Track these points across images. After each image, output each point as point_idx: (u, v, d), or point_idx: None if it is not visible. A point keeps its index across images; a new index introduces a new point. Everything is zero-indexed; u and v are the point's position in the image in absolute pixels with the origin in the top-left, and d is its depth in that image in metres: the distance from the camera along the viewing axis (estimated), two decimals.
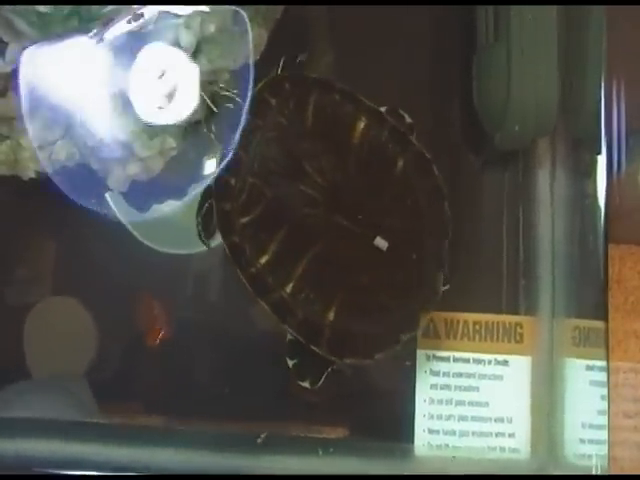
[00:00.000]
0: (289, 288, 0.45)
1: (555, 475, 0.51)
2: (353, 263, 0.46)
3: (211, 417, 0.49)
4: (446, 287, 0.47)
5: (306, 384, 0.47)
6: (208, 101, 0.43)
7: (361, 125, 0.46)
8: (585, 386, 0.52)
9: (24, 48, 0.39)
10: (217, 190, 0.44)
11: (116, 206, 0.45)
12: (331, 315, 0.45)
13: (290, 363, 0.46)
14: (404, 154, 0.47)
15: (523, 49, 0.50)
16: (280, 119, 0.45)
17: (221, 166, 0.43)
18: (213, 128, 0.44)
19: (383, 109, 0.47)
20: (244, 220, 0.45)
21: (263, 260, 0.45)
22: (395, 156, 0.46)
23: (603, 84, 0.52)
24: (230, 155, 0.43)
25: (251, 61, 0.43)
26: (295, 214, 0.45)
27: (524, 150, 0.54)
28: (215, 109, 0.43)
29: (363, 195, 0.46)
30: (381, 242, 0.45)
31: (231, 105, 0.44)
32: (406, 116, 0.47)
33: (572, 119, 0.52)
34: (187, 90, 0.41)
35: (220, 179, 0.44)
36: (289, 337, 0.46)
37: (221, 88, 0.44)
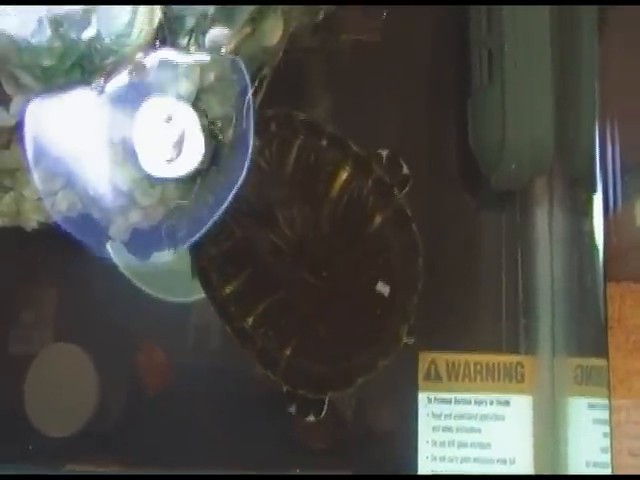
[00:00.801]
0: (250, 321, 0.46)
1: (555, 475, 0.51)
2: (313, 313, 0.47)
3: (213, 465, 0.49)
4: (411, 339, 0.48)
5: (311, 418, 0.48)
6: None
7: (344, 175, 0.46)
8: (588, 424, 0.52)
9: (28, 101, 0.40)
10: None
11: (117, 255, 0.45)
12: (288, 351, 0.46)
13: (292, 409, 0.48)
14: (384, 210, 0.47)
15: (517, 90, 0.50)
16: (261, 162, 0.46)
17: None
18: (215, 175, 0.44)
19: (384, 152, 0.48)
20: (212, 251, 0.46)
21: (227, 290, 0.46)
22: (374, 211, 0.47)
23: (597, 123, 0.53)
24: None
25: (251, 108, 0.43)
26: (261, 259, 0.46)
27: (521, 190, 0.55)
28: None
29: (331, 252, 0.46)
30: (383, 287, 0.46)
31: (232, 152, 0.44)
32: (404, 167, 0.48)
33: (568, 158, 0.53)
34: (193, 142, 0.41)
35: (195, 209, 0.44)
36: (285, 388, 0.47)
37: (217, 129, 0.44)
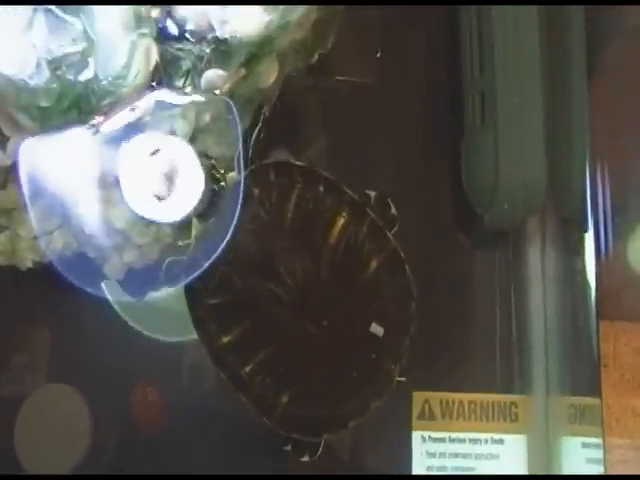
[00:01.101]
0: (247, 369, 0.46)
1: (555, 475, 0.51)
2: (311, 361, 0.47)
3: None
4: (402, 379, 0.48)
5: (306, 458, 0.48)
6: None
7: (341, 221, 0.47)
8: (582, 464, 0.52)
9: (25, 141, 0.40)
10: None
11: (112, 294, 0.45)
12: (284, 399, 0.46)
13: (287, 448, 0.48)
14: (379, 254, 0.47)
15: (509, 131, 0.51)
16: (260, 212, 0.46)
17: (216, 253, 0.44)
18: (209, 215, 0.44)
19: (372, 194, 0.48)
20: (212, 301, 0.46)
21: (225, 340, 0.46)
22: (370, 256, 0.47)
23: (588, 164, 0.54)
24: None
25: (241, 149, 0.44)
26: (261, 310, 0.46)
27: (514, 229, 0.55)
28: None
29: (331, 300, 0.47)
30: (377, 328, 0.46)
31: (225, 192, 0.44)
32: (392, 207, 0.48)
33: (560, 198, 0.53)
34: (187, 181, 0.42)
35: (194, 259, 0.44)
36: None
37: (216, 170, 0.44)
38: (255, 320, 0.46)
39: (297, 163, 0.47)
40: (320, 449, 0.48)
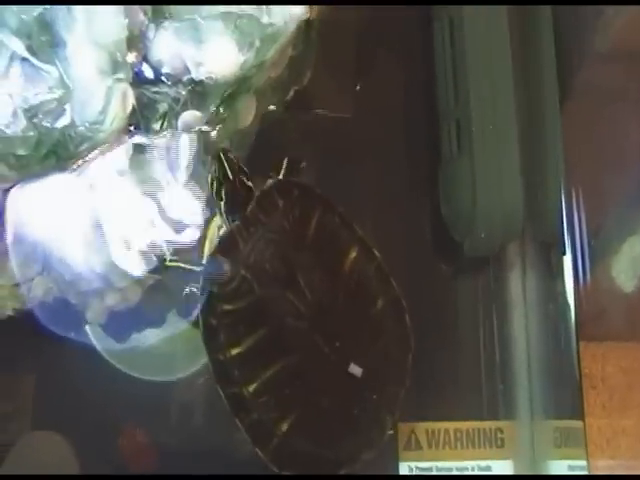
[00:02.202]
0: (252, 388, 0.45)
1: (555, 475, 0.52)
2: (319, 384, 0.46)
3: None
4: (390, 432, 0.48)
5: None
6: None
7: (353, 254, 0.47)
8: None
9: (4, 190, 0.40)
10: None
11: (95, 337, 0.45)
12: (284, 427, 0.45)
13: None
14: (384, 296, 0.48)
15: (486, 159, 0.52)
16: (284, 222, 0.46)
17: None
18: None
19: None
20: (227, 307, 0.45)
21: (234, 352, 0.45)
22: (377, 295, 0.47)
23: (563, 188, 0.55)
24: (228, 239, 0.44)
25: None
26: (278, 319, 0.45)
27: (494, 255, 0.55)
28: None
29: (344, 323, 0.47)
30: (355, 369, 0.46)
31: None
32: (375, 251, 0.48)
33: (537, 223, 0.54)
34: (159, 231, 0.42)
35: (214, 262, 0.44)
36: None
37: None
38: (270, 330, 0.45)
39: (317, 191, 0.48)
40: None
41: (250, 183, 0.46)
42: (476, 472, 0.53)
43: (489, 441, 0.53)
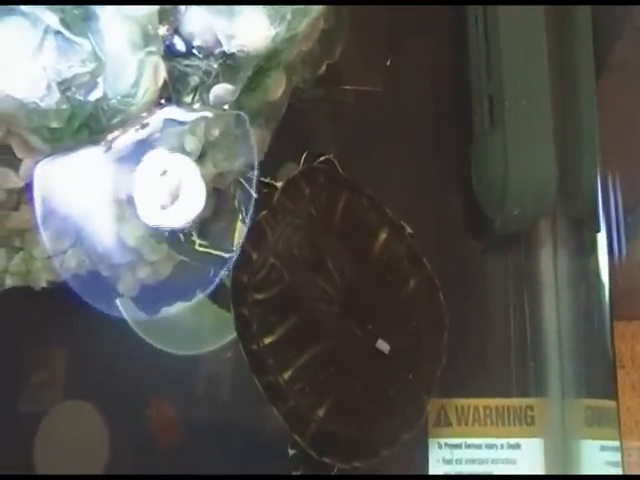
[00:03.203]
0: (287, 375, 0.45)
1: (556, 475, 0.52)
2: (353, 367, 0.47)
3: None
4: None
5: None
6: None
7: (383, 235, 0.48)
8: (600, 467, 0.53)
9: (37, 163, 0.41)
10: (237, 260, 0.44)
11: (126, 310, 0.46)
12: (321, 412, 0.46)
13: (297, 473, 0.48)
14: (416, 275, 0.48)
15: (519, 134, 0.52)
16: (311, 209, 0.47)
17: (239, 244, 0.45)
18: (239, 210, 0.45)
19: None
20: (258, 297, 0.46)
21: (267, 341, 0.45)
22: (408, 275, 0.48)
23: (599, 164, 0.55)
24: (255, 229, 0.45)
25: (256, 162, 0.44)
26: (309, 306, 0.46)
27: (525, 232, 0.56)
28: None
29: (376, 305, 0.47)
30: (383, 345, 0.46)
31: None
32: (407, 227, 0.49)
33: (571, 200, 0.54)
34: (191, 192, 0.42)
35: (242, 251, 0.45)
36: (291, 452, 0.47)
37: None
38: (301, 317, 0.46)
39: (343, 176, 0.48)
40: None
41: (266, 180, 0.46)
42: (505, 450, 0.53)
43: (519, 419, 0.53)
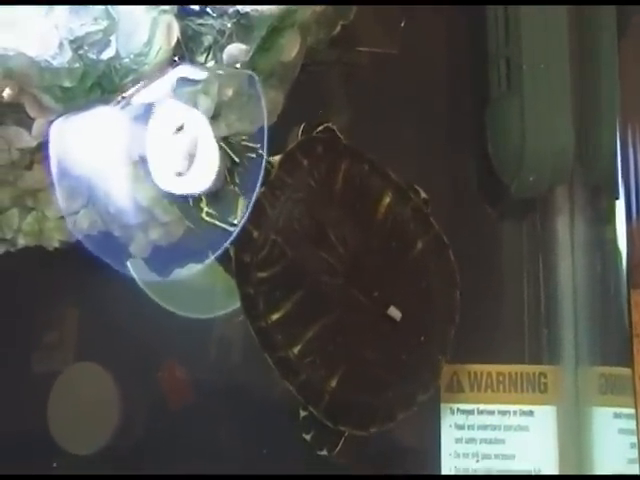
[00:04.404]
0: (296, 350, 0.46)
1: (557, 475, 0.52)
2: (362, 336, 0.47)
3: None
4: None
5: (324, 452, 0.48)
6: (230, 153, 0.45)
7: (387, 200, 0.48)
8: (614, 435, 0.53)
9: (50, 122, 0.41)
10: (238, 239, 0.45)
11: (138, 272, 0.47)
12: (333, 383, 0.46)
13: (307, 437, 0.48)
14: (424, 236, 0.48)
15: (536, 98, 0.52)
16: (310, 181, 0.47)
17: (244, 218, 0.45)
18: (236, 184, 0.45)
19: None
20: (262, 275, 0.46)
21: (275, 317, 0.46)
22: (415, 237, 0.48)
23: (618, 130, 0.54)
24: (255, 206, 0.45)
25: (265, 123, 0.44)
26: (313, 279, 0.46)
27: (542, 198, 0.56)
28: (237, 160, 0.45)
29: (381, 272, 0.47)
30: (394, 312, 0.47)
31: (252, 157, 0.45)
32: (421, 191, 0.49)
33: (589, 165, 0.54)
34: (206, 158, 0.43)
35: (243, 229, 0.45)
36: (302, 414, 0.48)
37: (243, 140, 0.45)
38: (307, 292, 0.46)
39: (344, 141, 0.48)
40: (340, 444, 0.48)
41: (261, 152, 0.45)
42: (518, 417, 0.53)
43: (532, 386, 0.54)
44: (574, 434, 0.53)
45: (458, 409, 0.54)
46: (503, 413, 0.54)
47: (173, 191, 0.43)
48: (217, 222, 0.45)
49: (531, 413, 0.54)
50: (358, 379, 0.47)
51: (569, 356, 0.54)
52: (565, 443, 0.53)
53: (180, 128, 0.42)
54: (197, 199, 0.44)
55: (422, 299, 0.48)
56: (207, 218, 0.44)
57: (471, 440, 0.53)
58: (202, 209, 0.44)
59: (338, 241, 0.46)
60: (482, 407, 0.54)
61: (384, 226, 0.48)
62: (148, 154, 0.42)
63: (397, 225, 0.48)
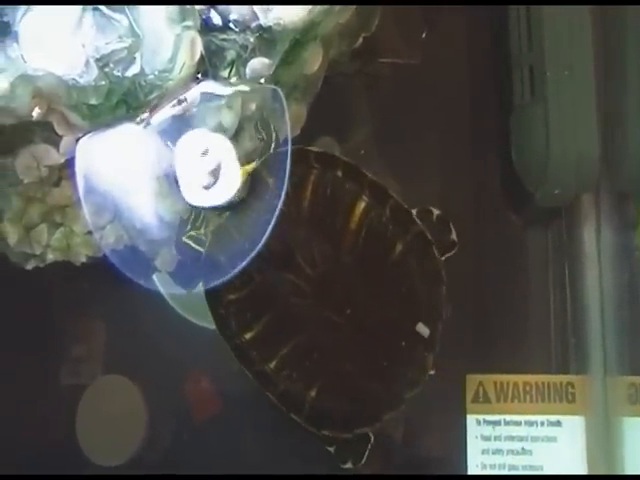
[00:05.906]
0: (272, 365, 0.47)
1: (556, 475, 0.53)
2: (338, 351, 0.48)
3: None
4: (432, 372, 0.49)
5: (349, 465, 0.49)
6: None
7: (362, 205, 0.48)
8: None
9: (77, 139, 0.43)
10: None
11: (163, 285, 0.48)
12: (312, 393, 0.48)
13: (331, 450, 0.49)
14: (404, 237, 0.48)
15: (560, 105, 0.52)
16: None
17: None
18: (256, 202, 0.46)
19: (414, 211, 0.49)
20: (231, 297, 0.47)
21: (248, 336, 0.48)
22: (394, 240, 0.48)
23: None
24: (219, 231, 0.45)
25: (289, 137, 0.45)
26: (282, 302, 0.47)
27: (567, 206, 0.56)
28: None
29: (355, 286, 0.48)
30: (422, 328, 0.48)
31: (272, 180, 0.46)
32: (434, 211, 0.49)
33: (615, 173, 0.55)
34: (230, 171, 0.44)
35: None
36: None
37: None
38: (276, 313, 0.47)
39: (312, 149, 0.48)
40: (365, 456, 0.49)
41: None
42: (545, 427, 0.54)
43: (559, 396, 0.54)
44: (603, 445, 0.54)
45: (484, 420, 0.54)
46: (530, 424, 0.54)
47: (201, 204, 0.44)
48: (192, 244, 0.46)
49: (559, 423, 0.54)
50: (338, 389, 0.48)
51: (597, 365, 0.55)
52: (594, 454, 0.54)
53: (205, 152, 0.43)
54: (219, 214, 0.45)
55: (403, 303, 0.48)
56: (186, 240, 0.46)
57: (498, 451, 0.54)
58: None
59: (306, 262, 0.47)
60: (509, 418, 0.54)
61: (358, 235, 0.48)
62: (177, 174, 0.44)
63: (373, 231, 0.48)
